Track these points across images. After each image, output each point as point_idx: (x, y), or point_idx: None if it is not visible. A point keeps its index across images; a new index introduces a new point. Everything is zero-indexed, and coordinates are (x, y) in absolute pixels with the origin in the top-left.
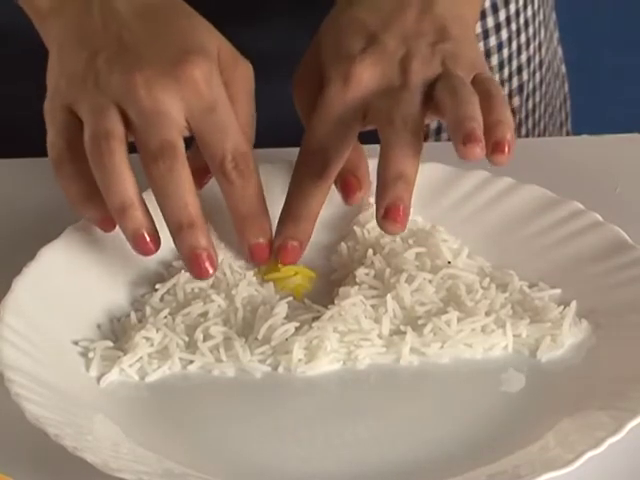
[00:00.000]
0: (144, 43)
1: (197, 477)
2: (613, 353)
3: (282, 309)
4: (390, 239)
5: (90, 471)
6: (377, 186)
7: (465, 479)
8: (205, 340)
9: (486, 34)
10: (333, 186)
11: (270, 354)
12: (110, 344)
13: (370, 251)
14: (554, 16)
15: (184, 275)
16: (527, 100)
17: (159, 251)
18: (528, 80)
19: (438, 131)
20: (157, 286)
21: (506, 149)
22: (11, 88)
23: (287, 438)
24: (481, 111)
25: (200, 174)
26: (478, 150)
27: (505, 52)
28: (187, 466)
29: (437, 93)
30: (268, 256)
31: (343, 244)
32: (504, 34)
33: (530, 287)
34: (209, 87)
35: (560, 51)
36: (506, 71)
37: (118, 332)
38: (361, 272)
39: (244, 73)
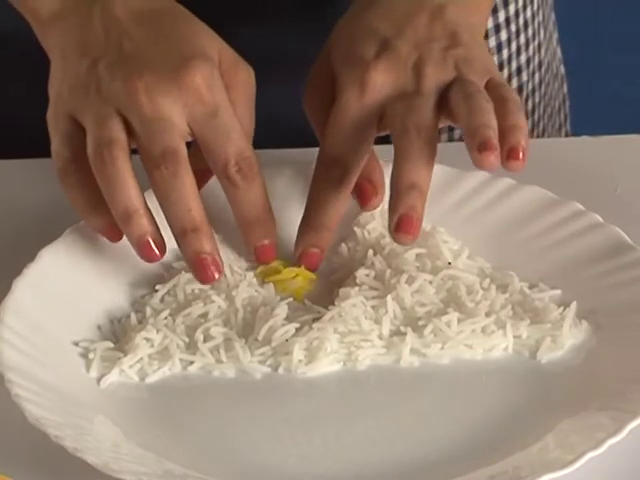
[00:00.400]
0: (145, 49)
1: (197, 478)
2: (613, 354)
3: (282, 310)
4: (390, 240)
5: (90, 472)
6: (390, 196)
7: None
8: (205, 341)
9: (485, 35)
10: None
11: (270, 355)
12: (110, 345)
13: (370, 252)
14: (553, 17)
15: (184, 276)
16: (526, 101)
17: None
18: (527, 81)
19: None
20: (157, 287)
21: (520, 155)
22: (10, 89)
23: (287, 439)
24: (496, 117)
25: (198, 176)
26: (493, 158)
27: (504, 53)
28: (187, 467)
29: (451, 99)
30: (273, 257)
31: (343, 245)
32: (503, 35)
33: (530, 288)
34: (211, 92)
35: (559, 52)
36: (505, 72)
37: (118, 333)
38: (361, 273)
39: (245, 77)
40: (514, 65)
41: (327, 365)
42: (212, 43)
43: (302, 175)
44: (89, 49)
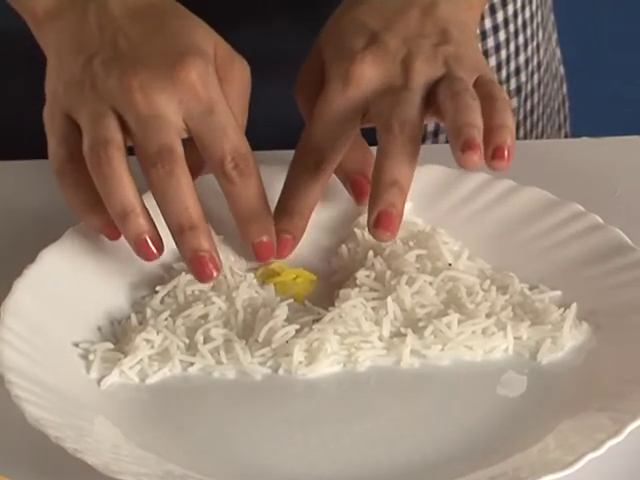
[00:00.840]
0: (139, 46)
1: (197, 479)
2: (613, 355)
3: (282, 311)
4: (391, 241)
5: (90, 473)
6: (370, 192)
7: None
8: (205, 342)
9: (484, 35)
10: (341, 187)
11: (270, 356)
12: (110, 346)
13: (371, 253)
14: (552, 17)
15: (184, 277)
16: (525, 102)
17: None
18: (526, 82)
19: (435, 133)
20: (157, 288)
21: (506, 154)
22: (9, 89)
23: (287, 440)
24: (482, 114)
25: (192, 169)
26: (476, 158)
27: (503, 53)
28: (187, 468)
29: (439, 96)
30: (272, 254)
31: (344, 246)
32: (502, 35)
33: (530, 289)
34: (206, 88)
35: (559, 52)
36: (504, 72)
37: (118, 334)
38: (362, 274)
39: (240, 71)
40: (512, 66)
41: (327, 366)
42: (207, 37)
43: None
44: (84, 46)
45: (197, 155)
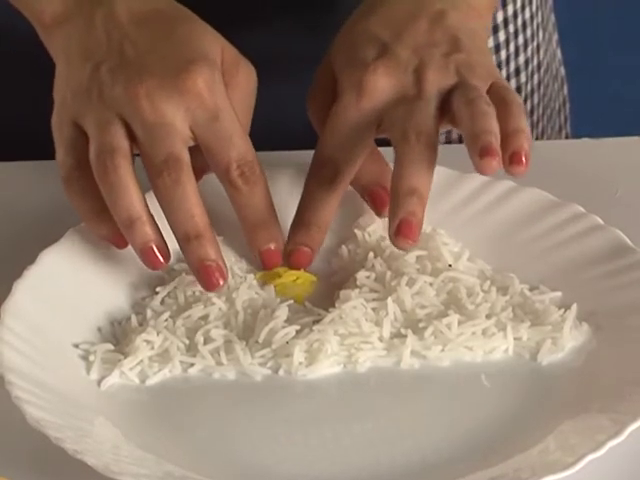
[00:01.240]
0: (146, 53)
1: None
2: (614, 356)
3: (283, 312)
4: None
5: (90, 474)
6: (390, 201)
7: None
8: (206, 343)
9: None
10: None
11: (271, 357)
12: (111, 347)
13: (371, 254)
14: (553, 18)
15: (185, 278)
16: (525, 102)
17: None
18: (526, 82)
19: None
20: (158, 289)
21: (523, 159)
22: (10, 89)
23: (287, 440)
24: (498, 120)
25: (196, 174)
26: (494, 163)
27: (503, 54)
28: (187, 469)
29: (453, 104)
30: (279, 261)
31: (344, 247)
32: (501, 36)
33: (531, 290)
34: (212, 96)
35: (559, 53)
36: (503, 73)
37: (119, 335)
38: (362, 275)
39: (246, 76)
40: (512, 66)
41: (327, 367)
42: (214, 43)
43: (304, 177)
44: (91, 53)
45: (201, 159)
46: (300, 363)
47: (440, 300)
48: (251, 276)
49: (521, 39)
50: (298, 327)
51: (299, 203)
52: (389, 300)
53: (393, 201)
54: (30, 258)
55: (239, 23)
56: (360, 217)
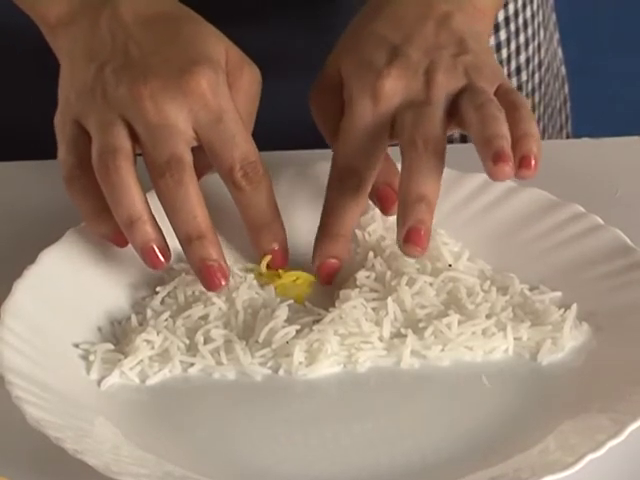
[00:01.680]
0: (150, 54)
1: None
2: (614, 356)
3: (283, 312)
4: (391, 242)
5: (91, 474)
6: (398, 208)
7: None
8: (206, 343)
9: None
10: None
11: (271, 357)
12: (111, 347)
13: (371, 254)
14: (554, 17)
15: (185, 278)
16: None
17: None
18: (527, 81)
19: None
20: (158, 289)
21: (532, 163)
22: (11, 89)
23: (287, 440)
24: (507, 124)
25: (197, 173)
26: (507, 169)
27: (504, 53)
28: (187, 469)
29: (462, 107)
30: (284, 262)
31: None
32: (502, 34)
33: (531, 290)
34: (216, 97)
35: (560, 52)
36: (505, 71)
37: (119, 335)
38: (362, 275)
39: (250, 77)
40: (513, 65)
41: (327, 367)
42: (218, 44)
43: (306, 177)
44: (96, 54)
45: (204, 159)
46: (300, 363)
47: (440, 300)
48: (251, 276)
49: (522, 38)
50: (298, 327)
51: (323, 214)
52: (389, 300)
53: (401, 208)
54: (30, 258)
55: (240, 22)
56: (360, 217)
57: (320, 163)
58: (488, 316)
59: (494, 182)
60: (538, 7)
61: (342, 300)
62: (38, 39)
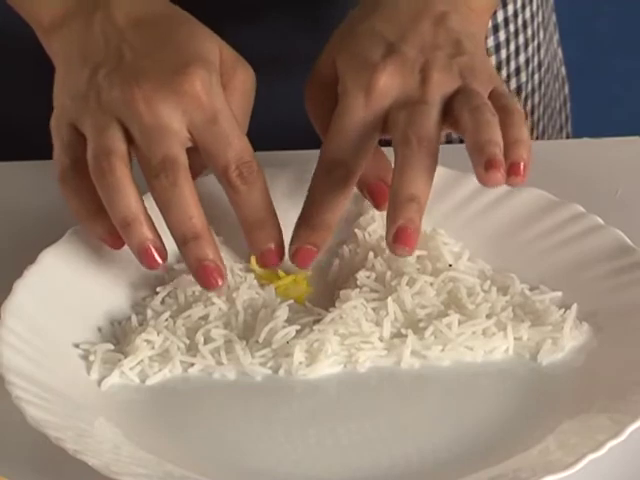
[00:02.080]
0: (143, 56)
1: None
2: (614, 356)
3: (283, 312)
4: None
5: (91, 474)
6: (389, 207)
7: None
8: (206, 343)
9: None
10: None
11: (271, 357)
12: (111, 347)
13: (371, 254)
14: (554, 18)
15: (185, 278)
16: (525, 102)
17: None
18: (526, 82)
19: None
20: (158, 289)
21: (521, 170)
22: (11, 89)
23: (288, 440)
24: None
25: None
26: (499, 176)
27: (503, 53)
28: (187, 469)
29: (456, 109)
30: (279, 261)
31: (344, 247)
32: (502, 35)
33: (531, 290)
34: (209, 97)
35: (560, 53)
36: (504, 72)
37: (119, 335)
38: (362, 275)
39: (244, 77)
40: (513, 66)
41: (328, 367)
42: (212, 44)
43: (305, 178)
44: (90, 58)
45: (199, 160)
46: (300, 363)
47: (440, 300)
48: (251, 276)
49: (522, 38)
50: (298, 327)
51: (306, 204)
52: (389, 300)
53: (392, 207)
54: (30, 258)
55: (238, 22)
56: (360, 217)
57: None
58: (488, 316)
59: None
60: (538, 8)
61: (342, 300)
62: (35, 40)
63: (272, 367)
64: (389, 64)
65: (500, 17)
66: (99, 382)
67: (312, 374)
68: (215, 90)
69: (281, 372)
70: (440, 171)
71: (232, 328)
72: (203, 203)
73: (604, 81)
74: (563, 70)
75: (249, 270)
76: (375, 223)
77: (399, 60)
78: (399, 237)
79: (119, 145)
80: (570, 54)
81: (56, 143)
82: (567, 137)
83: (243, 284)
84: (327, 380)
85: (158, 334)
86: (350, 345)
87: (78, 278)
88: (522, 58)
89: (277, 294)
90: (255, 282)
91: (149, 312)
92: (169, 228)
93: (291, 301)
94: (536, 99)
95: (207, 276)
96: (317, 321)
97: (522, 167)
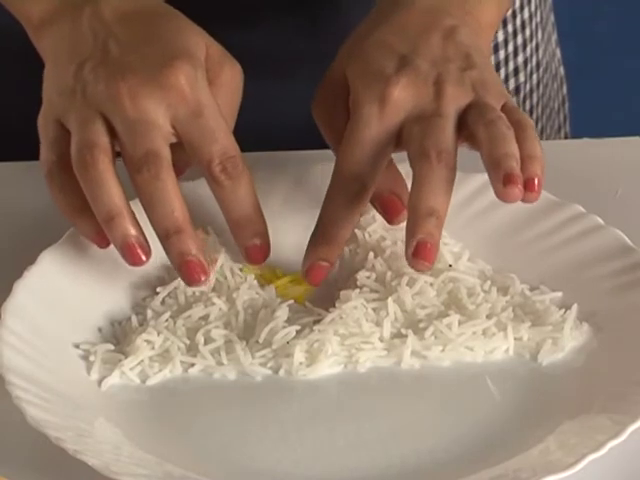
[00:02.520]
0: (129, 50)
1: None
2: (614, 356)
3: (283, 312)
4: (391, 242)
5: (91, 474)
6: (408, 220)
7: None
8: (206, 343)
9: None
10: None
11: (271, 357)
12: (111, 347)
13: (371, 254)
14: (552, 17)
15: None
16: (524, 102)
17: (160, 254)
18: (525, 82)
19: None
20: (158, 289)
21: (536, 187)
22: (8, 89)
23: (287, 441)
24: None
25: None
26: (517, 192)
27: (501, 53)
28: (187, 469)
29: (471, 123)
30: (264, 257)
31: (345, 247)
32: (500, 35)
33: (531, 290)
34: (194, 92)
35: (558, 53)
36: (502, 72)
37: (119, 335)
38: (362, 275)
39: (230, 72)
40: (511, 66)
41: (328, 367)
42: (198, 40)
43: (305, 178)
44: (77, 53)
45: (184, 156)
46: (300, 363)
47: (440, 300)
48: (251, 276)
49: (520, 39)
50: (298, 327)
51: (321, 218)
52: (389, 300)
53: (411, 221)
54: (30, 258)
55: (238, 22)
56: (361, 217)
57: (319, 164)
58: (488, 316)
59: None
60: (536, 8)
61: (342, 300)
62: (24, 35)
63: (272, 367)
64: (402, 76)
65: None
66: (99, 382)
67: (312, 374)
68: (200, 84)
69: (281, 372)
70: None
71: (232, 328)
72: (203, 203)
73: (603, 81)
74: (561, 70)
75: (249, 270)
76: (375, 223)
77: (412, 73)
78: (418, 252)
79: (102, 139)
80: (569, 54)
81: (43, 140)
82: (565, 137)
83: (243, 284)
84: (327, 380)
85: (158, 334)
86: (350, 345)
87: (78, 278)
88: (520, 58)
89: (277, 294)
90: (255, 282)
91: (149, 312)
92: (151, 222)
93: (291, 301)
94: (534, 99)
95: (190, 272)
96: (317, 321)
97: (537, 183)
